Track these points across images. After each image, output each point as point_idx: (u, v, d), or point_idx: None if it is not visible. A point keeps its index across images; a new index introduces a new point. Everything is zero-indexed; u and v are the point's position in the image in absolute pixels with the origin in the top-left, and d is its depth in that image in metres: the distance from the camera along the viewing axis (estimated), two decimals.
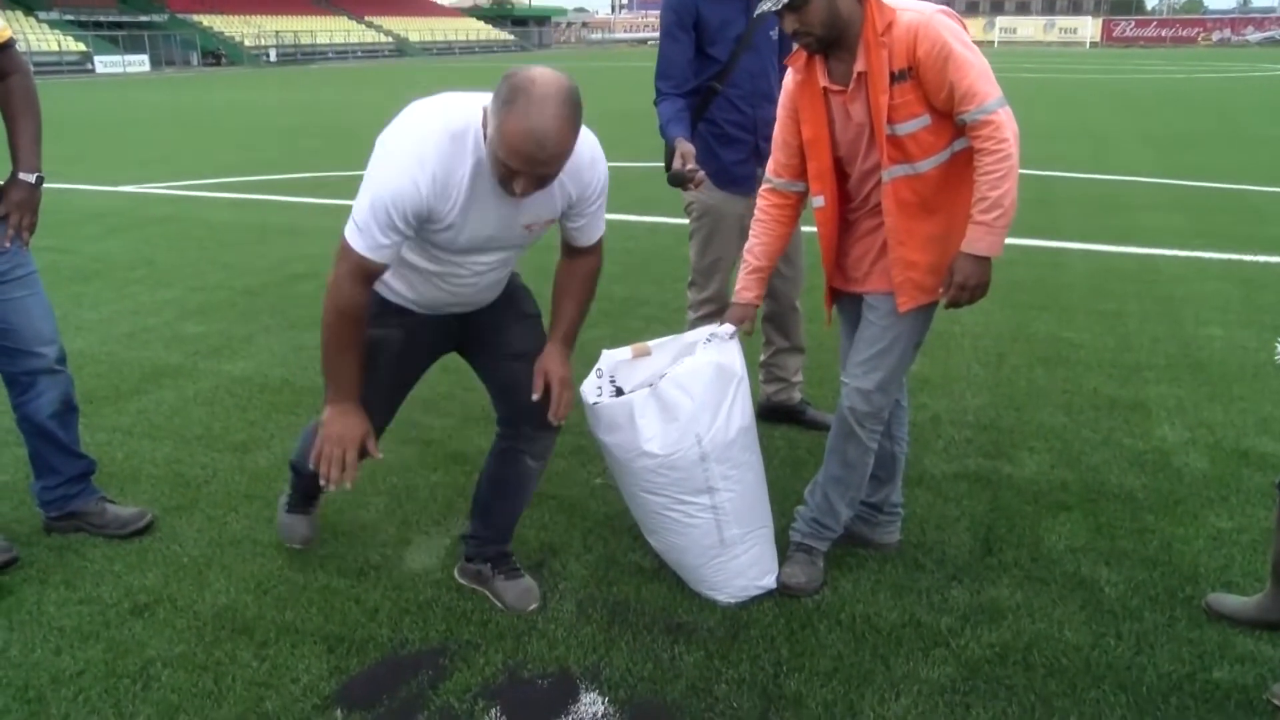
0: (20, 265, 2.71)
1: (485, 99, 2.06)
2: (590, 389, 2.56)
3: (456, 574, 2.71)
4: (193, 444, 3.63)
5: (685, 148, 3.06)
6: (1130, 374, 4.34)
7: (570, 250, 2.44)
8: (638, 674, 2.32)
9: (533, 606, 2.58)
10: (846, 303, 2.69)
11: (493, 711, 2.19)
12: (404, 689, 2.26)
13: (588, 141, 2.20)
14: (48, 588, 2.66)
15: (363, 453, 2.27)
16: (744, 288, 2.65)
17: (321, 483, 2.24)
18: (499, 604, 2.59)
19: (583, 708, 2.21)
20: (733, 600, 2.59)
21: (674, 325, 3.55)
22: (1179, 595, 2.63)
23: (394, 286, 2.34)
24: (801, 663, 2.35)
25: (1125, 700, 2.21)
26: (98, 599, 2.61)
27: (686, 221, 3.51)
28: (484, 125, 2.05)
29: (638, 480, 2.51)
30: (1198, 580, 2.70)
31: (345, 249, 2.13)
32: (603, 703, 2.23)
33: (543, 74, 1.96)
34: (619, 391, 2.58)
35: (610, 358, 2.65)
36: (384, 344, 2.37)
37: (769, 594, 2.62)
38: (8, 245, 2.66)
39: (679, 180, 3.07)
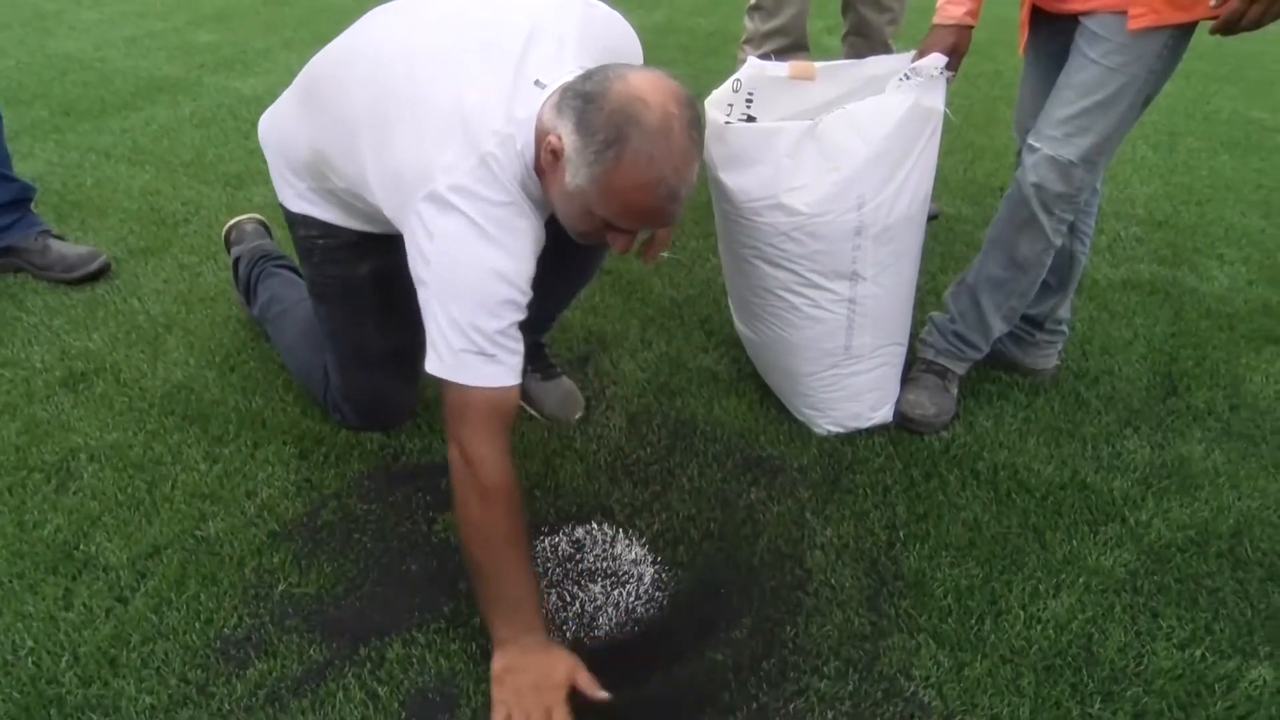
0: None
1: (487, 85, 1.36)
2: (720, 103, 1.81)
3: None
4: (178, 172, 2.99)
5: None
6: None
7: None
8: (702, 525, 1.73)
9: (577, 416, 1.99)
10: (1045, 35, 1.86)
11: None
12: (389, 518, 1.71)
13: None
14: None
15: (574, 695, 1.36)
16: (951, 1, 1.82)
17: None
18: (531, 412, 1.99)
19: (623, 566, 1.64)
20: (835, 430, 1.95)
21: None
22: None
23: (343, 218, 1.66)
24: (924, 529, 1.74)
25: None
26: (26, 362, 2.06)
27: None
28: (539, 166, 1.36)
29: (759, 243, 1.79)
30: None
31: (453, 400, 1.36)
32: (651, 566, 1.65)
33: (648, 84, 1.29)
34: (751, 121, 1.84)
35: (756, 69, 1.87)
36: (373, 278, 1.71)
37: (882, 428, 1.98)
38: None
39: None
